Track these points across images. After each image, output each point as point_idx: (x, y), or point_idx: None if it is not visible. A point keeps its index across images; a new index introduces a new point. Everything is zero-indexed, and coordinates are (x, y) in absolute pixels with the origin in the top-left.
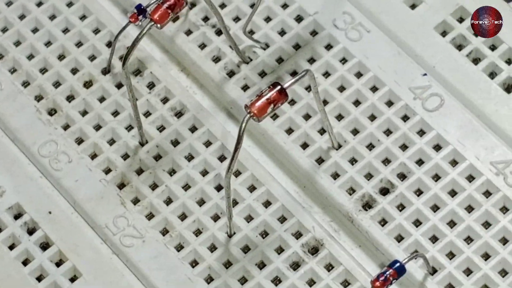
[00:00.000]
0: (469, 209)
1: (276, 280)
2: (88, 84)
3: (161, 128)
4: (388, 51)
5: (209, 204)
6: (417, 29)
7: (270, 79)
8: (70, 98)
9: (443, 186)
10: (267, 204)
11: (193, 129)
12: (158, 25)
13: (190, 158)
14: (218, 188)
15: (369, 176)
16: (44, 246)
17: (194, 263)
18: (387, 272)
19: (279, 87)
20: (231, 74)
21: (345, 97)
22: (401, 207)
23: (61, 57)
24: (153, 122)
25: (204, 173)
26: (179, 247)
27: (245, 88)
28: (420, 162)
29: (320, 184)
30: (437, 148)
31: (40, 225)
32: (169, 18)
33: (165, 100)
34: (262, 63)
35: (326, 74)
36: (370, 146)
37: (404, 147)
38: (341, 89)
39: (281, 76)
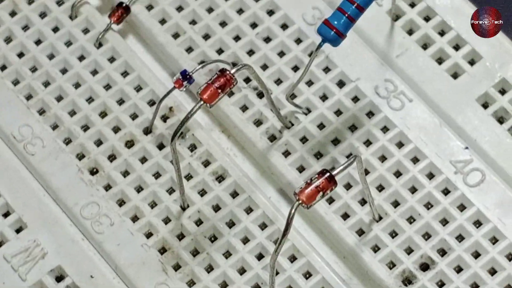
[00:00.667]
0: None
1: None
2: (129, 144)
3: (202, 192)
4: (430, 122)
5: (250, 273)
6: (459, 100)
7: (311, 146)
8: (111, 158)
9: (483, 264)
10: (307, 275)
11: (234, 194)
12: (208, 105)
13: (231, 225)
14: (259, 257)
15: (409, 251)
16: None
17: None
18: None
19: (328, 174)
20: (272, 138)
21: (386, 168)
22: (440, 284)
23: (102, 114)
24: (195, 186)
25: (245, 241)
26: None
27: (286, 153)
28: (460, 238)
29: (361, 257)
30: (478, 224)
31: None
32: (219, 98)
33: (206, 163)
34: (304, 129)
35: (367, 143)
36: (411, 219)
37: (444, 222)
38: (382, 159)
39: (323, 144)
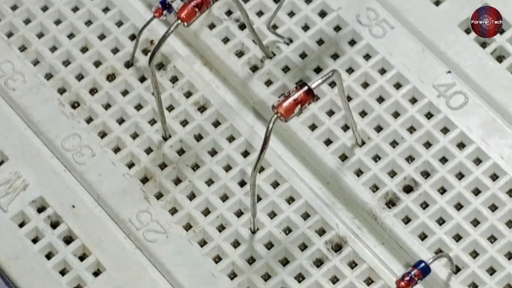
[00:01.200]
0: (493, 208)
1: (300, 277)
2: (111, 78)
3: (184, 123)
4: (412, 48)
5: (233, 199)
6: (441, 26)
7: (293, 74)
8: (93, 91)
9: (466, 184)
10: (290, 200)
11: (216, 124)
12: (185, 24)
13: (213, 153)
14: (242, 183)
15: (392, 174)
16: (68, 240)
17: (217, 259)
18: (412, 272)
19: (306, 87)
20: (254, 69)
21: (368, 93)
22: (424, 205)
23: (84, 50)
24: (176, 116)
25: (228, 168)
26: (203, 243)
27: (268, 83)
28: (443, 160)
29: (344, 181)
30: (461, 146)
31: (63, 219)
32: (196, 17)
33: (188, 94)
34: (285, 59)
35: (350, 70)
36: (394, 144)
37: (427, 145)
38: (365, 85)
39: (305, 72)
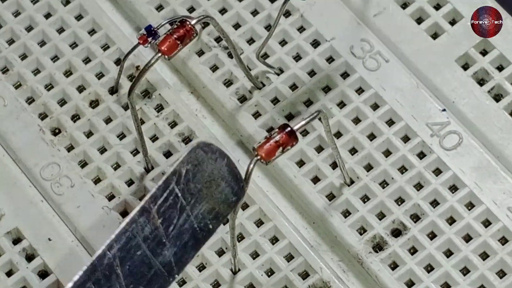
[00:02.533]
0: (484, 256)
1: None
2: (94, 104)
3: (167, 154)
4: (407, 83)
5: (214, 238)
6: (437, 60)
7: (282, 107)
8: (75, 118)
9: (457, 230)
10: (274, 240)
11: None
12: (166, 57)
13: None
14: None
15: (381, 216)
16: (43, 274)
17: None
18: None
19: (288, 129)
20: (242, 99)
21: (359, 130)
22: (413, 251)
23: (67, 73)
24: (160, 147)
25: None
26: (182, 282)
27: (256, 115)
28: (434, 204)
29: (330, 222)
30: (453, 189)
31: (39, 252)
32: (178, 50)
33: (173, 124)
34: (275, 90)
35: (341, 104)
36: (384, 184)
37: (418, 187)
38: (356, 120)
39: (295, 105)
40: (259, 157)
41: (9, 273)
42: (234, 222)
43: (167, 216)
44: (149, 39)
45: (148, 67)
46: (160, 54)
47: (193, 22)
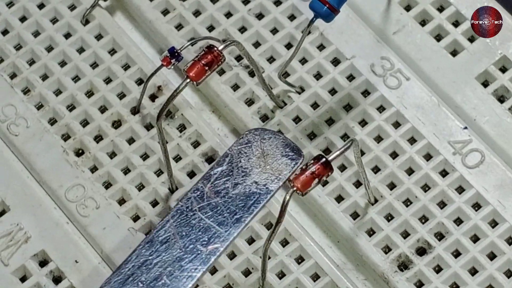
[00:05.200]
0: (508, 273)
1: None
2: (116, 124)
3: (191, 174)
4: (428, 101)
5: (241, 258)
6: (458, 78)
7: (304, 126)
8: (97, 138)
9: (482, 248)
10: (299, 260)
11: None
12: (195, 83)
13: None
14: (250, 241)
15: (405, 234)
16: None
17: None
18: None
19: (323, 160)
20: (264, 118)
21: (382, 148)
22: (438, 269)
23: (89, 94)
24: (183, 168)
25: None
26: None
27: None
28: (458, 222)
29: (355, 241)
30: (477, 207)
31: (66, 274)
32: (206, 76)
33: (196, 144)
34: (296, 109)
35: (363, 123)
36: (407, 202)
37: (442, 205)
38: (378, 139)
39: (317, 124)
40: (295, 188)
41: None
42: (267, 250)
43: (222, 189)
44: (172, 60)
45: (177, 93)
46: (188, 80)
47: (220, 48)
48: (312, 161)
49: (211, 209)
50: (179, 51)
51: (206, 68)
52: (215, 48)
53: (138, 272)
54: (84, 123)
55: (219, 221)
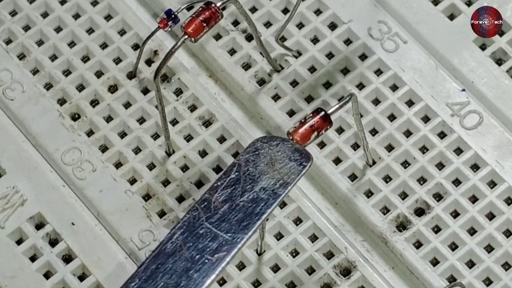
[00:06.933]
0: (508, 233)
1: None
2: (113, 89)
3: (188, 138)
4: (425, 64)
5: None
6: (455, 41)
7: (301, 89)
8: (94, 103)
9: (480, 209)
10: (297, 221)
11: (221, 139)
12: (192, 39)
13: (218, 170)
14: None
15: (404, 195)
16: (67, 258)
17: (221, 281)
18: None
19: (323, 113)
20: (261, 82)
21: (379, 111)
22: (436, 229)
23: (85, 59)
24: (180, 131)
25: None
26: None
27: (276, 98)
28: (457, 183)
29: (353, 203)
30: (475, 168)
31: (62, 236)
32: (204, 32)
33: (192, 108)
34: (294, 72)
35: (360, 86)
36: (405, 164)
37: (440, 166)
38: (376, 102)
39: (314, 87)
40: (294, 141)
41: (33, 258)
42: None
43: (229, 198)
44: (169, 23)
45: (175, 50)
46: (186, 37)
47: (218, 4)
48: (311, 114)
49: (219, 218)
50: (176, 13)
51: (204, 24)
52: (213, 5)
53: (144, 286)
54: (80, 87)
55: (226, 229)
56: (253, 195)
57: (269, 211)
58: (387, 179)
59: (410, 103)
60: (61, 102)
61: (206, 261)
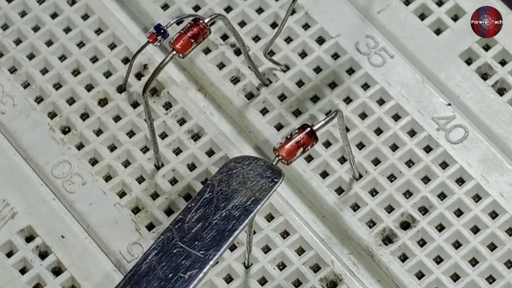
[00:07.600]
0: (492, 247)
1: None
2: (103, 102)
3: (177, 151)
4: (412, 79)
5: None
6: (441, 55)
7: (289, 103)
8: (84, 116)
9: (465, 222)
10: (285, 234)
11: (210, 153)
12: (181, 55)
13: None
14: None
15: (390, 209)
16: (56, 271)
17: None
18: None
19: (308, 129)
20: (250, 96)
21: (366, 125)
22: (422, 243)
23: (75, 73)
24: (169, 145)
25: None
26: None
27: (264, 111)
28: (442, 196)
29: (340, 216)
30: (460, 182)
31: (52, 249)
32: (192, 48)
33: (182, 122)
34: (282, 86)
35: (347, 100)
36: (392, 177)
37: (426, 180)
38: (362, 116)
39: (302, 101)
40: (280, 158)
41: (23, 271)
42: (253, 221)
43: (203, 217)
44: (159, 37)
45: (163, 66)
46: (174, 52)
47: (206, 20)
48: (297, 131)
49: (192, 237)
50: (165, 28)
51: (192, 40)
52: (201, 21)
53: None
54: (71, 101)
55: (199, 247)
56: (226, 213)
57: (241, 227)
58: (373, 192)
59: (396, 117)
60: (52, 115)
61: (179, 279)
